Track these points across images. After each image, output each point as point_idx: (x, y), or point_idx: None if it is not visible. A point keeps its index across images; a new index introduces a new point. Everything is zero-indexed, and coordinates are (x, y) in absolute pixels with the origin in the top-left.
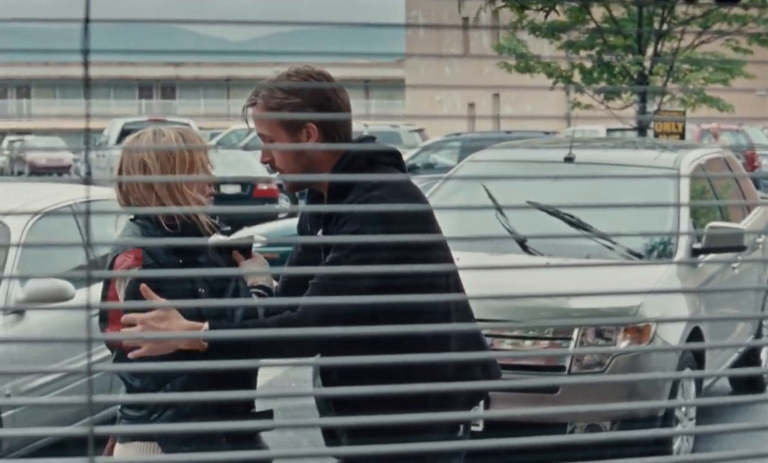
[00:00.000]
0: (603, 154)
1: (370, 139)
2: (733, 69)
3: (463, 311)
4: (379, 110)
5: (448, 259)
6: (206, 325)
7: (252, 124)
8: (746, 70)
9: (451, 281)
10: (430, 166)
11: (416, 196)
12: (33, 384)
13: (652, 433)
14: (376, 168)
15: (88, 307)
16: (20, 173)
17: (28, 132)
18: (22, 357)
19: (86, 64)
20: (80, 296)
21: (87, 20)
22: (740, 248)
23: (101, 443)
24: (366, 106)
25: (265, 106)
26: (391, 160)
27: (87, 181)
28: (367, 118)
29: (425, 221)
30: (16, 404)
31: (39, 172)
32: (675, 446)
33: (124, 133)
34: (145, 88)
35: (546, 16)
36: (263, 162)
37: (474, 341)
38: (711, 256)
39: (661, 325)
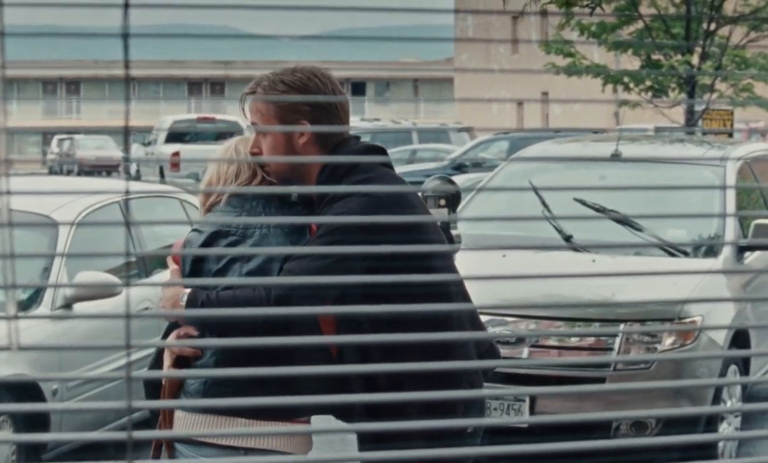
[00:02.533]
0: (650, 150)
1: (356, 138)
2: None
3: (468, 320)
4: (427, 108)
5: (447, 257)
6: (186, 291)
7: (248, 112)
8: None
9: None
10: (478, 164)
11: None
12: (78, 380)
13: (697, 438)
14: (366, 166)
15: (128, 316)
16: (69, 172)
17: (77, 131)
18: (68, 353)
19: (127, 65)
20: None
21: (126, 35)
22: None
23: (139, 447)
24: (415, 105)
25: (264, 95)
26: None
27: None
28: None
29: (419, 206)
30: (56, 408)
31: (88, 170)
32: (720, 446)
33: (173, 131)
34: (194, 86)
35: (592, 12)
36: (251, 153)
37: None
38: (757, 254)
39: (707, 321)
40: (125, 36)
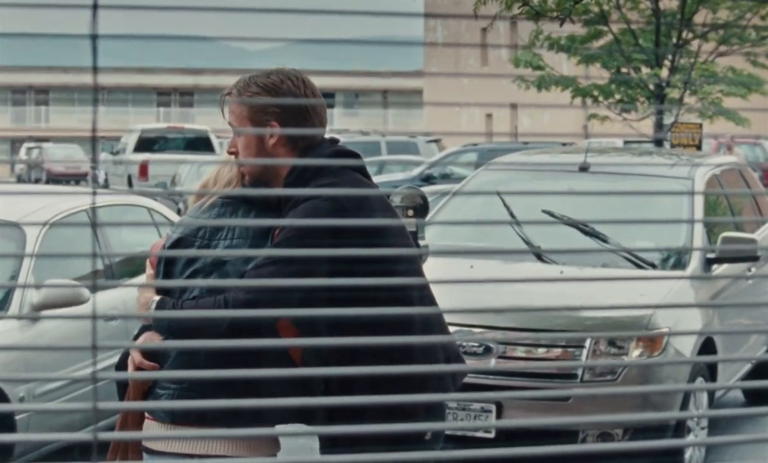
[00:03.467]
0: (617, 163)
1: (335, 141)
2: (750, 84)
3: (422, 325)
4: (396, 120)
5: (412, 262)
6: (156, 299)
7: (227, 113)
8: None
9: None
10: (446, 177)
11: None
12: (45, 388)
13: (664, 443)
14: (334, 169)
15: (94, 317)
16: (37, 180)
17: (46, 139)
18: (36, 360)
19: (95, 80)
20: (99, 298)
21: (95, 36)
22: (754, 258)
23: (105, 449)
24: (384, 117)
25: (239, 97)
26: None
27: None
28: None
29: (387, 210)
30: (21, 409)
31: (56, 179)
32: (687, 456)
33: (142, 140)
34: (163, 95)
35: (561, 24)
36: (229, 152)
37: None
38: (724, 266)
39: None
40: (94, 37)
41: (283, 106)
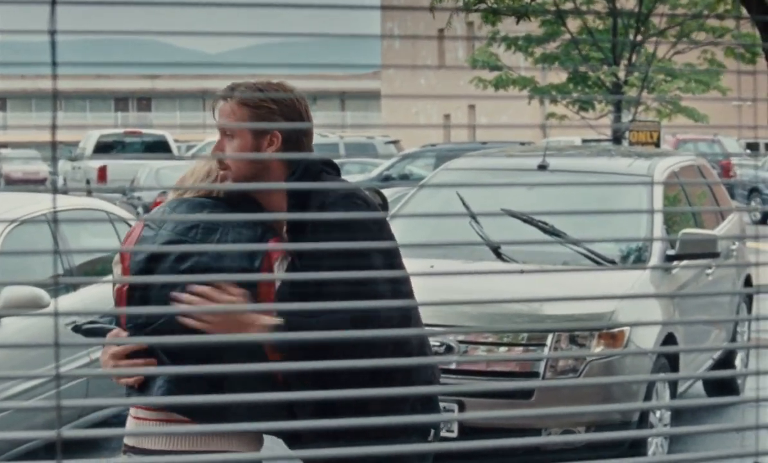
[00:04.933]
0: (576, 161)
1: (335, 168)
2: (708, 81)
3: (416, 319)
4: (354, 122)
5: (403, 266)
6: (273, 321)
7: (218, 116)
8: (721, 82)
9: (409, 289)
10: (405, 177)
11: (370, 204)
12: (15, 390)
13: (626, 434)
14: (325, 179)
15: (56, 314)
16: None
17: (4, 145)
18: (3, 363)
19: (54, 77)
20: (60, 303)
21: (53, 32)
22: (714, 255)
23: (69, 448)
24: (342, 118)
25: (241, 102)
26: (334, 171)
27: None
28: (342, 129)
29: (381, 229)
30: None
31: (15, 184)
32: (650, 450)
33: (100, 145)
34: (120, 101)
35: (518, 22)
36: (213, 155)
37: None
38: (685, 262)
39: (636, 330)
40: (52, 33)
41: (289, 117)
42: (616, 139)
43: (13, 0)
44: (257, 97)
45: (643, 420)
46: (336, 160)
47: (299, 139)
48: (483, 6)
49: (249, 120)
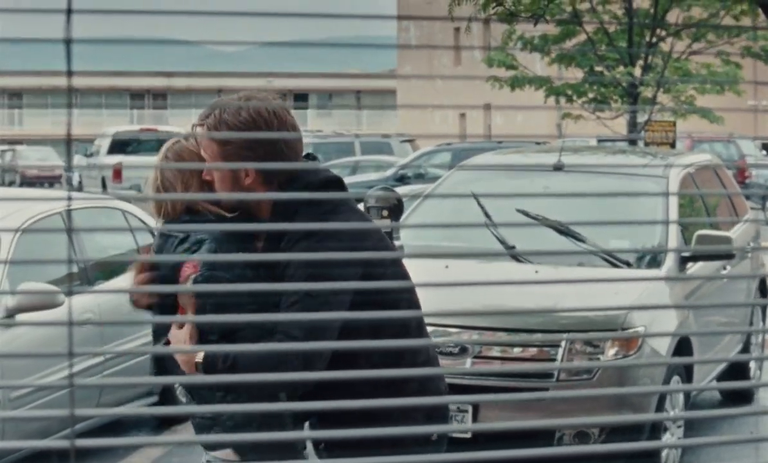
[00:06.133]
0: (592, 161)
1: (313, 157)
2: (724, 83)
3: (417, 327)
4: (370, 120)
5: (405, 275)
6: (200, 356)
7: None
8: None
9: (412, 298)
10: (420, 176)
11: (366, 221)
12: (21, 392)
13: (640, 446)
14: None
15: (71, 323)
16: (11, 183)
17: (20, 142)
18: (12, 364)
19: (70, 89)
20: (73, 302)
21: (69, 41)
22: (729, 257)
23: (83, 456)
24: (358, 116)
25: (222, 121)
26: (335, 188)
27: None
28: (358, 128)
29: (381, 240)
30: None
31: (30, 182)
32: (663, 455)
33: (115, 142)
34: (136, 98)
35: (535, 24)
36: (204, 179)
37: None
38: (699, 264)
39: (649, 331)
40: (68, 42)
41: (257, 146)
42: (632, 140)
43: (30, 9)
44: (223, 137)
45: (657, 422)
46: (351, 159)
47: (276, 158)
48: (500, 9)
49: (218, 156)
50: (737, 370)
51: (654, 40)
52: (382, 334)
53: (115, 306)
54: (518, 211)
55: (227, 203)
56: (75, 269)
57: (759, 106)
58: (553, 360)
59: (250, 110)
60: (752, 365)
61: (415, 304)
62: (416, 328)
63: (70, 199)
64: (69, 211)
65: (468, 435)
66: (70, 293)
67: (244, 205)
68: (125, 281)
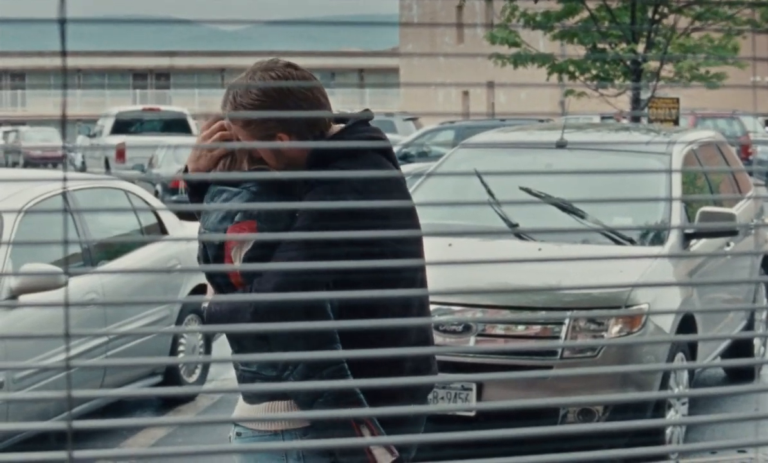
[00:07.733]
0: (595, 138)
1: (361, 123)
2: (726, 56)
3: (419, 304)
4: (373, 99)
5: (415, 242)
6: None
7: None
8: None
9: (422, 276)
10: (424, 154)
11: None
12: (20, 373)
13: (644, 423)
14: (358, 155)
15: (67, 304)
16: (15, 164)
17: (23, 123)
18: (17, 345)
19: (65, 69)
20: (76, 282)
21: (63, 20)
22: (732, 233)
23: (80, 438)
24: (360, 95)
25: (237, 105)
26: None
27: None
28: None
29: (400, 191)
30: None
31: (34, 162)
32: (667, 432)
33: (119, 122)
34: (139, 77)
35: (536, 1)
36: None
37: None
38: (703, 241)
39: (653, 308)
40: (62, 22)
41: (290, 107)
42: (635, 117)
43: None
44: (248, 116)
45: (662, 400)
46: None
47: (311, 124)
48: None
49: (249, 133)
50: (741, 347)
51: (657, 16)
52: (389, 286)
53: (118, 286)
54: (521, 188)
55: (275, 167)
56: (78, 249)
57: (759, 82)
58: (557, 338)
59: (277, 70)
60: (756, 341)
61: (423, 279)
62: (419, 307)
63: (65, 180)
64: (64, 193)
65: (472, 413)
66: (68, 274)
67: (288, 166)
68: (127, 261)
